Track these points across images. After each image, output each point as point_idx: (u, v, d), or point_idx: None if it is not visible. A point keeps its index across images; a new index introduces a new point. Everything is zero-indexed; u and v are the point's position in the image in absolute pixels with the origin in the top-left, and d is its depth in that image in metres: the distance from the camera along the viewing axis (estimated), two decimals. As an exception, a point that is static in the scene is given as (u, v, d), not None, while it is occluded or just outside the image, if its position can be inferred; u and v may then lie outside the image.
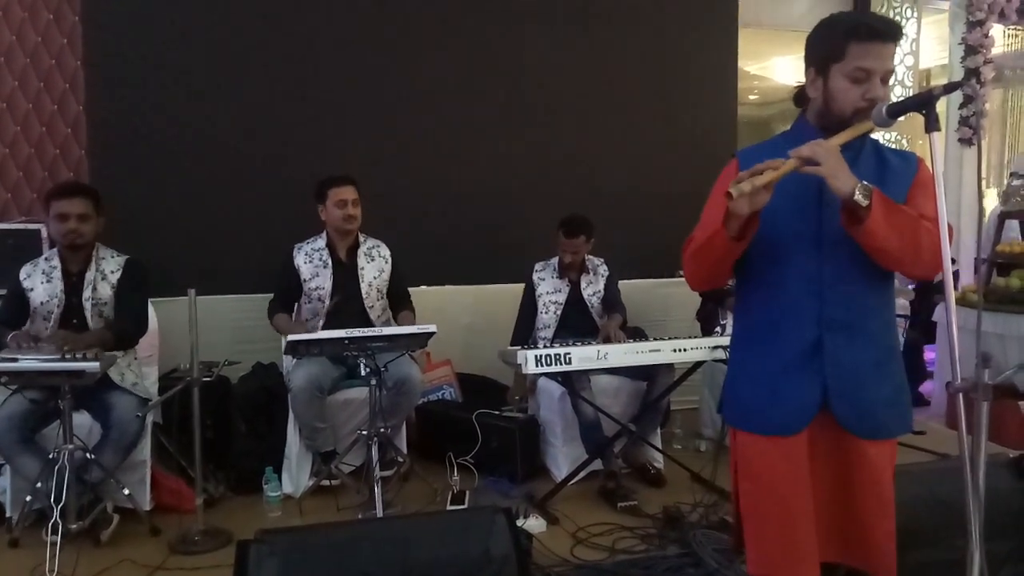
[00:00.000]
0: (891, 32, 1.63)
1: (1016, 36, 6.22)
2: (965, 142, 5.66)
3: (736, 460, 1.78)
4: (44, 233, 3.82)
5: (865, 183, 1.55)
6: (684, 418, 4.34)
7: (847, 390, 1.66)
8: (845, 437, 1.67)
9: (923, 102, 1.51)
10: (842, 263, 1.65)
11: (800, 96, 1.82)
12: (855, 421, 1.66)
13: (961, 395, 1.51)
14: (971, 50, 5.53)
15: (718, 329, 4.10)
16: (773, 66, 8.13)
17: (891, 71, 1.67)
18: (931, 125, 1.49)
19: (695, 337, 3.52)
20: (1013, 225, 5.10)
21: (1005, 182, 5.36)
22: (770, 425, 1.69)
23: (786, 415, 1.67)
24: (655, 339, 3.49)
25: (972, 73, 5.50)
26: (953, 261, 5.42)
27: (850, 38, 1.62)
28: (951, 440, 4.02)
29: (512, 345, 3.90)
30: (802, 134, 1.73)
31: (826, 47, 1.67)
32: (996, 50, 5.65)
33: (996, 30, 5.63)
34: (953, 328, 1.48)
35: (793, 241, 1.68)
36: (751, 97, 9.06)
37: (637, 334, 4.00)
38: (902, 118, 1.61)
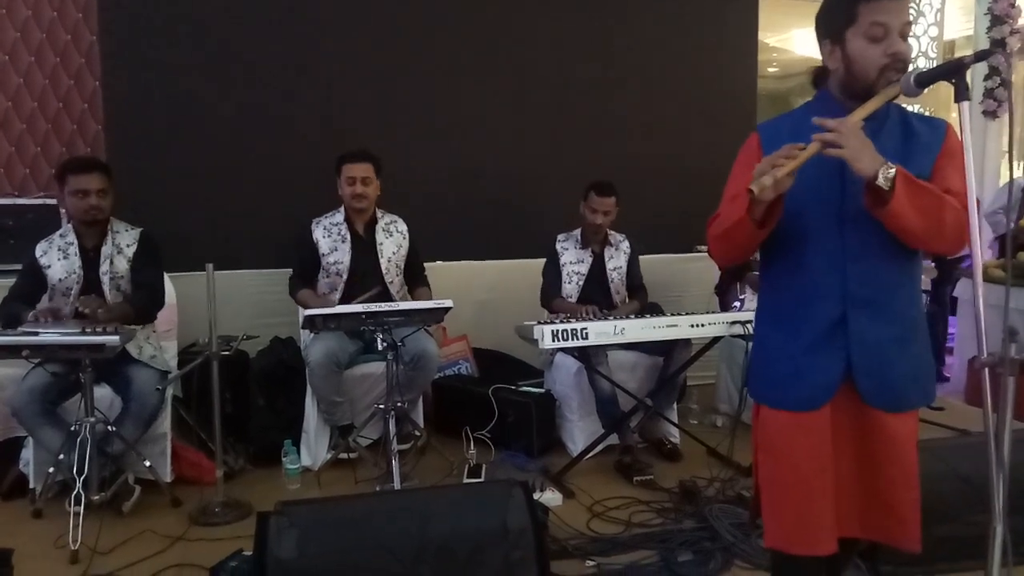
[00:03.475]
0: None
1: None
2: (990, 115, 5.56)
3: (757, 434, 1.78)
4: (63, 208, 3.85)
5: (889, 164, 1.52)
6: (700, 393, 4.33)
7: (871, 366, 1.64)
8: (867, 411, 1.66)
9: (953, 71, 1.47)
10: (865, 239, 1.63)
11: (818, 77, 1.78)
12: (878, 396, 1.64)
13: (986, 370, 1.49)
14: (997, 20, 5.41)
15: (736, 304, 4.08)
16: (792, 38, 8.00)
17: (908, 24, 1.62)
18: (961, 94, 1.46)
19: (713, 312, 3.50)
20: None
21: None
22: (793, 400, 1.68)
23: (809, 390, 1.66)
24: (672, 314, 3.47)
25: (998, 44, 5.39)
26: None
27: (858, 0, 1.58)
28: (971, 416, 4.03)
29: (544, 304, 3.91)
30: (825, 106, 1.70)
31: (836, 15, 1.63)
32: (1023, 20, 5.52)
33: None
34: (980, 303, 1.46)
35: (815, 217, 1.66)
36: (770, 70, 8.93)
37: (653, 309, 3.98)
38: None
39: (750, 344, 3.39)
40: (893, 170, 1.51)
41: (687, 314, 3.41)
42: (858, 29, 1.59)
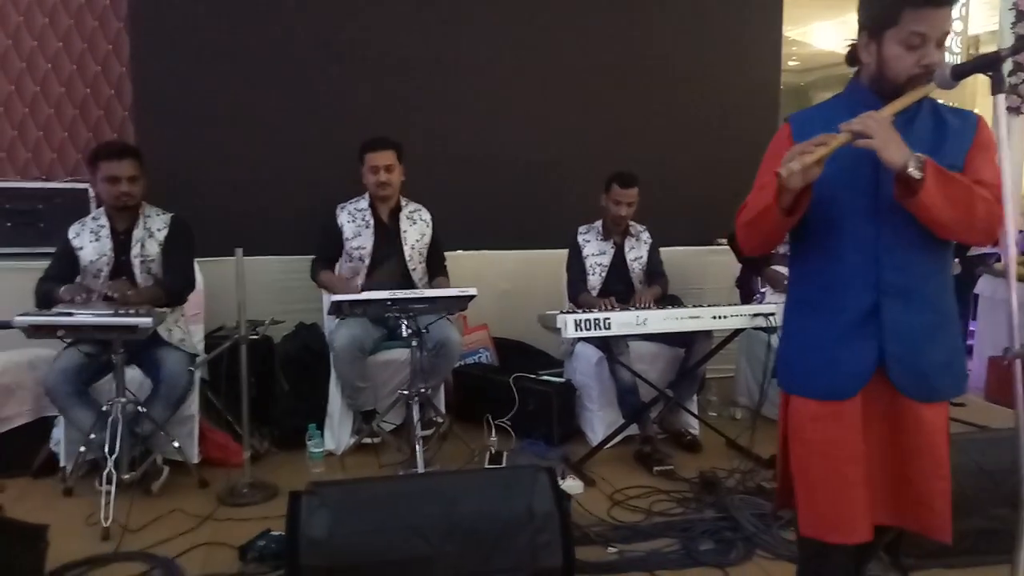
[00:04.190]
0: None
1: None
2: (1013, 111, 5.51)
3: (788, 424, 1.78)
4: (91, 192, 3.90)
5: (919, 155, 1.53)
6: (720, 386, 4.34)
7: (903, 354, 1.65)
8: (900, 400, 1.67)
9: (989, 64, 1.49)
10: (898, 228, 1.64)
11: (853, 56, 1.79)
12: (911, 385, 1.65)
13: (1018, 361, 1.51)
14: (1022, 16, 5.36)
15: (757, 297, 4.09)
16: (812, 31, 7.97)
17: (947, 33, 1.62)
18: (997, 87, 1.47)
19: (734, 305, 3.52)
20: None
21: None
22: (825, 389, 1.69)
23: (842, 379, 1.67)
24: (694, 306, 3.49)
25: (1023, 39, 5.34)
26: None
27: (904, 4, 1.58)
28: (991, 412, 4.00)
29: (571, 299, 3.93)
30: (856, 97, 1.71)
31: (879, 12, 1.64)
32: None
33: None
34: (1014, 295, 1.48)
35: (849, 206, 1.66)
36: (790, 63, 8.90)
37: (673, 302, 4.00)
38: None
39: (771, 337, 3.44)
40: (923, 161, 1.53)
41: (709, 306, 3.43)
42: (897, 33, 1.60)
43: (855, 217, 1.66)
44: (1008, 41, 5.40)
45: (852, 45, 1.76)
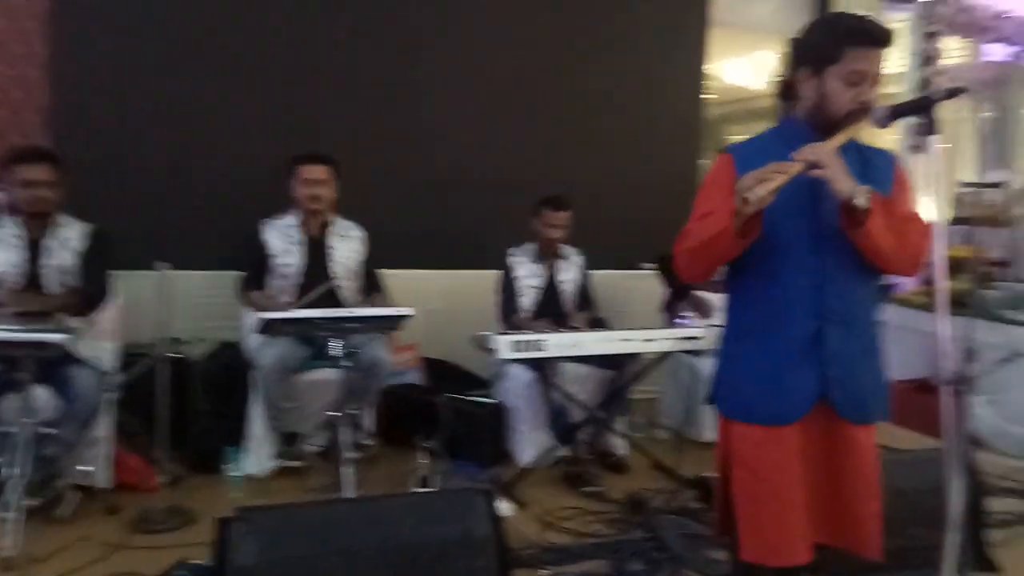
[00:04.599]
0: (887, 38, 1.69)
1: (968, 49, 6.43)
2: (915, 149, 5.85)
3: (728, 450, 1.81)
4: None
5: (865, 186, 1.61)
6: (643, 407, 4.40)
7: (844, 379, 1.71)
8: (837, 423, 1.73)
9: (924, 106, 1.57)
10: (840, 257, 1.70)
11: (785, 91, 1.85)
12: (850, 408, 1.72)
13: (946, 387, 1.58)
14: (926, 60, 5.72)
15: (678, 321, 4.18)
16: (726, 66, 8.26)
17: (880, 74, 1.72)
18: (930, 128, 1.56)
19: (660, 328, 3.60)
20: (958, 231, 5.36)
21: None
22: (771, 415, 1.72)
23: (788, 405, 1.72)
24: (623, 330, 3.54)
25: (927, 83, 5.69)
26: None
27: (849, 42, 1.66)
28: (897, 435, 4.17)
29: (504, 321, 3.92)
30: (794, 131, 1.77)
31: (822, 49, 1.71)
32: (953, 61, 5.84)
33: (954, 42, 5.83)
34: (944, 326, 1.56)
35: (793, 235, 1.72)
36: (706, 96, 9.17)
37: (600, 324, 4.05)
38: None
39: (697, 360, 3.52)
40: (870, 192, 1.60)
41: (639, 329, 3.49)
42: (839, 70, 1.67)
43: (798, 246, 1.72)
44: (913, 83, 5.75)
45: (784, 80, 1.83)
